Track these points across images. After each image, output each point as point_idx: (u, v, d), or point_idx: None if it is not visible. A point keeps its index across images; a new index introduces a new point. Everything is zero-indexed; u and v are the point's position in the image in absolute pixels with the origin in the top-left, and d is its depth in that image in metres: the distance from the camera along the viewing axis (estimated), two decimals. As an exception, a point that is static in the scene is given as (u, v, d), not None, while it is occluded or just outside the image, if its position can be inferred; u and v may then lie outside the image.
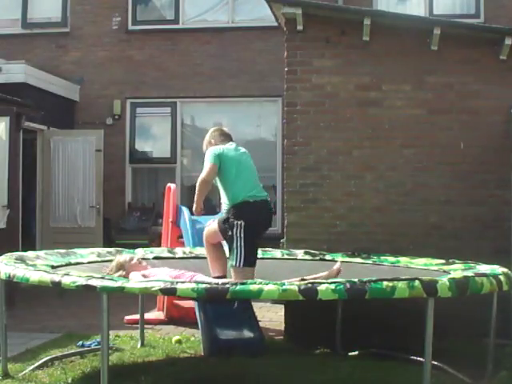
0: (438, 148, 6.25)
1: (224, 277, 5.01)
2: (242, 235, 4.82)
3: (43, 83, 10.66)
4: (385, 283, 3.92)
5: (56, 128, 11.08)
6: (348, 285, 3.91)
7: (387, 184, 6.26)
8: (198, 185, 5.08)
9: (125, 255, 5.31)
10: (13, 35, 11.89)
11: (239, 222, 4.84)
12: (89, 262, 5.56)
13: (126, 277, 4.91)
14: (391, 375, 4.91)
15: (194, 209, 5.15)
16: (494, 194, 6.14)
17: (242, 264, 4.83)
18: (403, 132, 6.28)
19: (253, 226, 4.90)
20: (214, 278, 4.99)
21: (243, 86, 11.25)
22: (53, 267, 4.93)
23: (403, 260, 5.65)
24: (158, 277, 4.86)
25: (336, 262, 5.36)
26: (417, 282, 3.96)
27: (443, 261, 5.40)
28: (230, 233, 4.88)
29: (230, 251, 5.00)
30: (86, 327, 6.59)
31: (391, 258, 5.74)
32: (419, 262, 5.51)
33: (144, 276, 4.89)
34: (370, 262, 5.72)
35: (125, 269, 5.05)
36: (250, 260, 4.89)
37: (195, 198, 5.11)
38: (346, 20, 6.39)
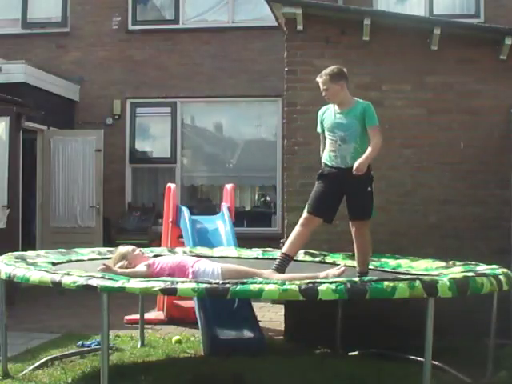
0: (438, 148, 6.25)
1: (291, 258, 5.00)
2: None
3: (43, 83, 10.66)
4: (385, 283, 3.92)
5: (56, 128, 11.08)
6: (348, 285, 3.92)
7: (387, 184, 6.25)
8: (378, 148, 4.95)
9: (127, 246, 5.32)
10: (13, 35, 11.90)
11: (372, 176, 5.00)
12: (90, 260, 5.57)
13: (128, 267, 4.97)
14: (391, 375, 4.91)
15: (360, 166, 4.88)
16: (494, 193, 6.14)
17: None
18: (403, 132, 6.27)
19: None
20: (281, 254, 5.01)
21: (243, 86, 11.24)
22: (53, 264, 4.94)
23: (404, 264, 5.61)
24: (161, 264, 4.93)
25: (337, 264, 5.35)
26: (417, 282, 3.97)
27: (443, 264, 5.36)
28: (369, 188, 5.03)
29: (359, 209, 5.06)
30: (86, 327, 6.59)
31: (392, 262, 5.68)
32: (420, 267, 5.46)
33: (148, 266, 4.94)
34: (370, 266, 5.68)
35: (127, 259, 5.07)
36: None
37: (366, 160, 4.90)
38: (346, 20, 6.39)
